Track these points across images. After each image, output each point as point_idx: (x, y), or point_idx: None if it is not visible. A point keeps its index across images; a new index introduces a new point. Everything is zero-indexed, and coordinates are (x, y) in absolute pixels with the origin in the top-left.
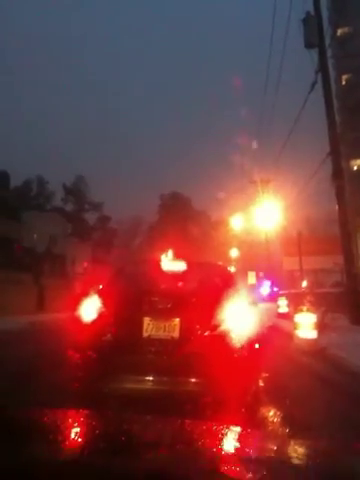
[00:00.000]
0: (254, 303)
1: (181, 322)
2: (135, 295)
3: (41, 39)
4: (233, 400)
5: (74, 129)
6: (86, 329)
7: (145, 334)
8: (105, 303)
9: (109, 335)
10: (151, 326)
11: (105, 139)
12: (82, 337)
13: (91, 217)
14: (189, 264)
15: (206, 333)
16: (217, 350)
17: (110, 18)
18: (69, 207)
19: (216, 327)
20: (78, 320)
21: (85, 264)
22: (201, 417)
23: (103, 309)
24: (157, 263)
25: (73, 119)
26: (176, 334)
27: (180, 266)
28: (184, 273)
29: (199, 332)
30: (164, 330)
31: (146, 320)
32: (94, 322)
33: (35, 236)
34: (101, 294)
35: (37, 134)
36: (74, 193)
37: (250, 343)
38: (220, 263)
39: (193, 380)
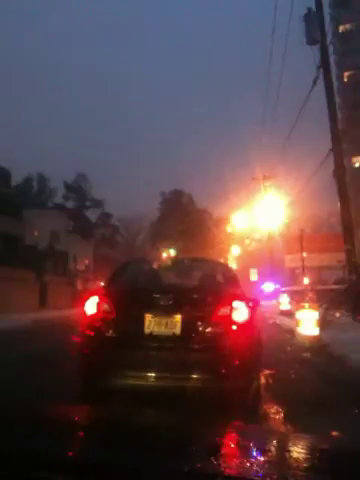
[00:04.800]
0: (256, 300)
1: (183, 319)
2: (137, 292)
3: (41, 38)
4: (234, 396)
5: (75, 126)
6: (89, 326)
7: (147, 330)
8: (108, 300)
9: (111, 331)
10: (153, 323)
11: (107, 136)
12: (86, 334)
13: (92, 214)
14: (190, 261)
15: (208, 329)
16: (218, 346)
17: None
18: (70, 204)
19: (217, 324)
20: (82, 317)
21: (86, 261)
22: (203, 412)
23: (106, 306)
24: (159, 260)
25: (74, 116)
26: (178, 330)
27: (182, 263)
28: (186, 270)
29: (201, 328)
30: (166, 326)
31: (148, 317)
32: (97, 319)
33: (36, 233)
34: (104, 291)
35: (38, 131)
36: (75, 190)
37: (251, 340)
38: (221, 260)
39: (194, 376)
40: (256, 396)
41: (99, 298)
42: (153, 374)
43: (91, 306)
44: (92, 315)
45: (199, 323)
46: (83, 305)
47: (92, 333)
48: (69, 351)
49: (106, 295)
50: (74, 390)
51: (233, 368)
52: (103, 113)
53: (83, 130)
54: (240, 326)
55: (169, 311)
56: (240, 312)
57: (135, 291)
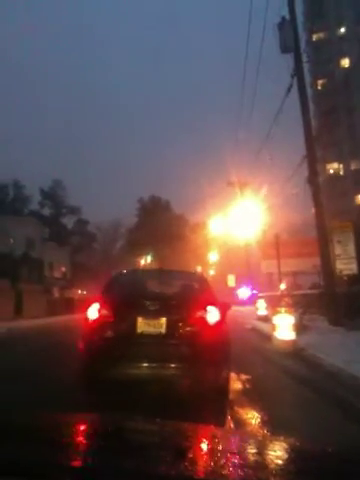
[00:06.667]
0: (227, 304)
1: (167, 320)
2: (130, 299)
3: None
4: (206, 380)
5: (52, 133)
6: (92, 328)
7: (139, 330)
8: (106, 306)
9: (110, 332)
10: (143, 324)
11: (85, 143)
12: (89, 335)
13: (69, 221)
14: (171, 272)
15: (187, 329)
16: (195, 342)
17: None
18: (46, 211)
19: (194, 324)
20: (85, 321)
21: (63, 269)
22: (176, 415)
23: (105, 311)
24: (146, 271)
25: (52, 123)
26: (163, 330)
27: (164, 274)
28: (168, 280)
29: (181, 328)
30: (154, 327)
31: (139, 319)
32: (98, 322)
33: (12, 241)
34: (102, 299)
35: (14, 138)
36: (51, 197)
37: (222, 337)
38: (197, 270)
39: (175, 365)
40: (225, 387)
41: (99, 305)
42: (144, 364)
43: (93, 312)
44: (94, 319)
45: (180, 324)
46: (87, 311)
47: (94, 334)
48: (41, 360)
49: (105, 302)
50: (76, 383)
51: (206, 359)
52: (82, 120)
53: (60, 136)
54: (212, 326)
55: (156, 314)
56: (212, 315)
57: (128, 298)
